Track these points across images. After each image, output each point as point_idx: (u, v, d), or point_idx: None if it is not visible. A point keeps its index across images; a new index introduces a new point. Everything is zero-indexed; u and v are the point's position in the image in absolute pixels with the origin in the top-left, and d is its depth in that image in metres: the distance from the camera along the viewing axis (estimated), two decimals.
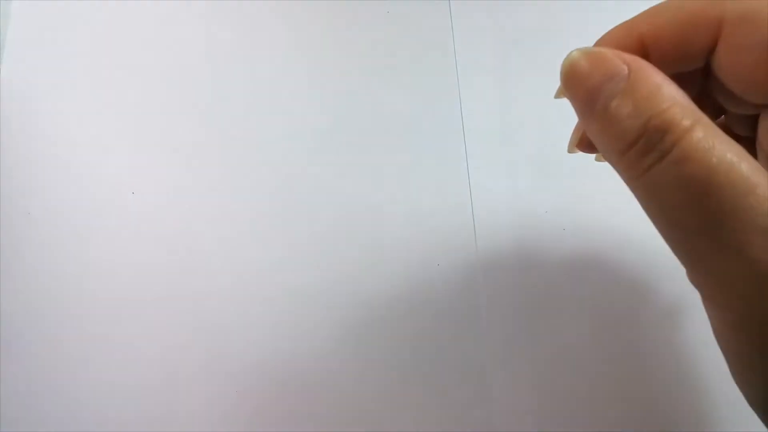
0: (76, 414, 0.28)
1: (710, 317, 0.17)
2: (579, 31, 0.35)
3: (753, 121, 0.20)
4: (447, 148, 0.34)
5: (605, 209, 0.32)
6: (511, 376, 0.30)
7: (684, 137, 0.15)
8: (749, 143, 0.20)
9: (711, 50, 0.18)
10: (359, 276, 0.31)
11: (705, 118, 0.15)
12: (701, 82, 0.20)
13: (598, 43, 0.20)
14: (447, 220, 0.32)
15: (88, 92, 0.33)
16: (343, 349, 0.30)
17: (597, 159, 0.23)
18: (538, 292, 0.31)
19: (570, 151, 0.23)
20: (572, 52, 0.17)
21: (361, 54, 0.36)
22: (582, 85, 0.17)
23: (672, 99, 0.16)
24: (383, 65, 0.36)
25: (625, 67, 0.16)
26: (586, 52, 0.17)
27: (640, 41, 0.19)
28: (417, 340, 0.31)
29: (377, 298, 0.31)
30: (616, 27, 0.19)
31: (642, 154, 0.16)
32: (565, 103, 0.19)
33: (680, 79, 0.17)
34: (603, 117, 0.16)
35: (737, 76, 0.18)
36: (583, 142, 0.22)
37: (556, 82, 0.19)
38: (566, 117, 0.21)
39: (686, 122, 0.15)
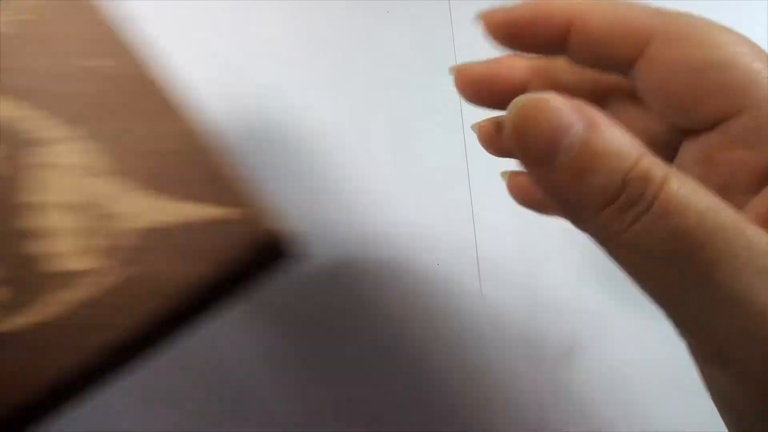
0: None
1: (707, 376, 0.17)
2: None
3: (670, 147, 0.19)
4: (448, 148, 0.34)
5: None
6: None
7: (663, 188, 0.14)
8: None
9: (633, 61, 0.18)
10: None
11: (671, 166, 0.15)
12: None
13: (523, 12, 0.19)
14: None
15: None
16: None
17: (543, 213, 0.21)
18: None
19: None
20: (520, 98, 0.16)
21: (360, 54, 0.36)
22: (538, 136, 0.15)
23: (639, 149, 0.15)
24: (383, 65, 0.36)
25: (580, 118, 0.15)
26: (535, 100, 0.15)
27: (566, 28, 0.18)
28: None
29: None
30: (547, 2, 0.18)
31: (623, 210, 0.15)
32: None
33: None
34: (569, 171, 0.15)
35: (659, 93, 0.18)
36: (521, 194, 0.21)
37: None
38: None
39: (660, 172, 0.14)
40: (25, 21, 0.25)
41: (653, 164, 0.14)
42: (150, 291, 0.21)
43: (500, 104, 0.20)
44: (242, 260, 0.21)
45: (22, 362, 0.20)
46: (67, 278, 0.21)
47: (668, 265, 0.14)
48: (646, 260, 0.15)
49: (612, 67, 0.18)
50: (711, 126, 0.17)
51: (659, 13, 0.17)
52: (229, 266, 0.21)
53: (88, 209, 0.21)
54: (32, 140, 0.22)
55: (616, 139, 0.15)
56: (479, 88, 0.21)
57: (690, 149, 0.18)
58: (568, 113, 0.15)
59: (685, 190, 0.14)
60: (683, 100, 0.17)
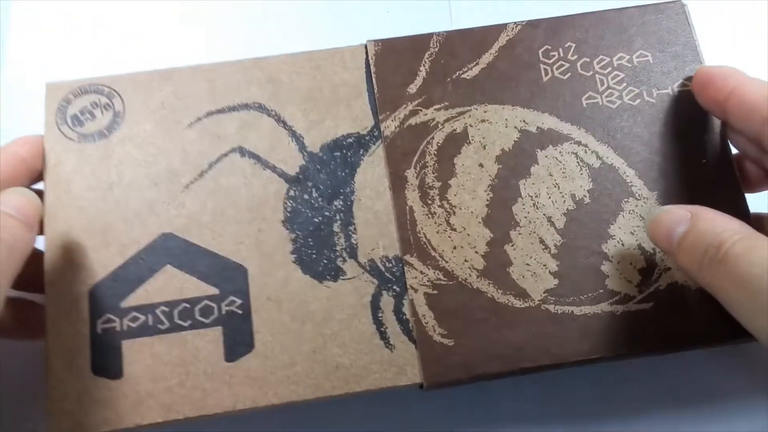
0: None
1: None
2: None
3: None
4: None
5: None
6: None
7: (731, 248, 0.22)
8: None
9: None
10: None
11: (752, 234, 0.23)
12: None
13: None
14: None
15: None
16: None
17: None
18: None
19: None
20: (654, 210, 0.26)
21: None
22: (660, 233, 0.25)
23: (724, 225, 0.23)
24: None
25: (688, 214, 0.24)
26: (661, 210, 0.25)
27: (727, 94, 0.27)
28: None
29: None
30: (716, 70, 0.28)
31: (706, 270, 0.23)
32: None
33: None
34: (678, 252, 0.24)
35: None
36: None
37: None
38: None
39: (735, 237, 0.23)
40: None
41: (733, 233, 0.23)
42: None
43: None
44: None
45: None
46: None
47: (738, 298, 0.22)
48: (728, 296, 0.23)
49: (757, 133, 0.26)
50: None
51: None
52: None
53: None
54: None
55: (704, 223, 0.24)
56: None
57: None
58: (679, 213, 0.25)
59: (744, 247, 0.22)
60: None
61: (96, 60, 0.36)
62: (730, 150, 0.28)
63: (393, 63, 0.29)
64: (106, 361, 0.25)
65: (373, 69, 0.29)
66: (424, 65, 0.29)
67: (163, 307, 0.25)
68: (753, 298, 0.21)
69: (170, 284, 0.26)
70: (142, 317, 0.25)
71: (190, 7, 0.38)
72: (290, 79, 0.29)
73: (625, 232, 0.27)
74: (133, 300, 0.26)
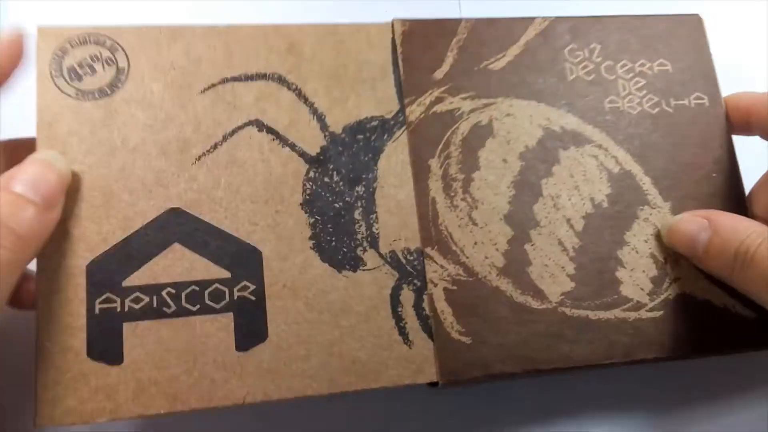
0: None
1: None
2: None
3: None
4: None
5: None
6: None
7: (757, 250, 0.24)
8: None
9: None
10: None
11: None
12: None
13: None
14: None
15: None
16: None
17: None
18: None
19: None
20: (668, 219, 0.27)
21: None
22: (682, 240, 0.27)
23: (745, 228, 0.25)
24: None
25: (705, 221, 0.26)
26: (676, 219, 0.27)
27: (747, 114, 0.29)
28: None
29: None
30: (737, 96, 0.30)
31: (739, 273, 0.25)
32: None
33: None
34: (706, 258, 0.26)
35: None
36: None
37: None
38: None
39: (759, 240, 0.24)
40: None
41: (757, 236, 0.24)
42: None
43: None
44: None
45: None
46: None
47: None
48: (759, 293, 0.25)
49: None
50: None
51: None
52: None
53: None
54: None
55: (727, 229, 0.25)
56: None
57: None
58: (698, 221, 0.26)
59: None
60: None
61: (96, 11, 0.33)
62: (738, 167, 0.29)
63: (420, 45, 0.28)
64: (104, 344, 0.23)
65: (399, 50, 0.27)
66: (451, 51, 0.28)
67: (169, 289, 0.23)
68: None
69: (178, 264, 0.24)
70: (146, 298, 0.23)
71: None
72: (312, 52, 0.27)
73: (639, 240, 0.27)
74: (136, 279, 0.23)
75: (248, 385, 0.23)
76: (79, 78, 0.25)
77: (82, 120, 0.24)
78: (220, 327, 0.24)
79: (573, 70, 0.29)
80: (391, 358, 0.24)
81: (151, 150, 0.24)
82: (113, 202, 0.24)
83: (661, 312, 0.27)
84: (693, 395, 0.31)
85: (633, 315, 0.27)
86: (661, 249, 0.27)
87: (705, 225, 0.26)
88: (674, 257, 0.27)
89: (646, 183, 0.28)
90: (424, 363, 0.25)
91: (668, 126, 0.29)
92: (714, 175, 0.29)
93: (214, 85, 0.26)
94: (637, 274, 0.27)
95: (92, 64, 0.25)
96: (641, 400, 0.31)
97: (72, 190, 0.24)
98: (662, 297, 0.27)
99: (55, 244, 0.23)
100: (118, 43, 0.25)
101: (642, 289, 0.27)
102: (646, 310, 0.27)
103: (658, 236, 0.28)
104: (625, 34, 0.30)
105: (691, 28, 0.30)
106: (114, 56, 0.25)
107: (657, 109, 0.29)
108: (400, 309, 0.25)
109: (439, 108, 0.27)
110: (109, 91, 0.25)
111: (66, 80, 0.25)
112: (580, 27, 0.29)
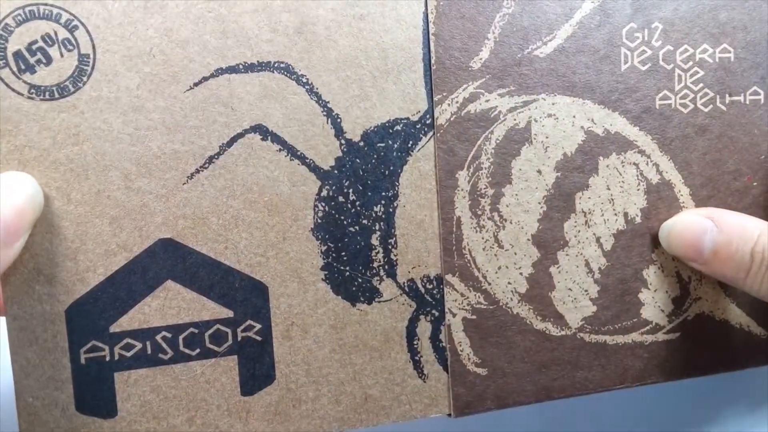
0: None
1: None
2: None
3: None
4: None
5: None
6: None
7: None
8: None
9: None
10: None
11: None
12: None
13: None
14: None
15: None
16: None
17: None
18: None
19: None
20: (667, 222, 0.25)
21: None
22: (685, 243, 0.24)
23: (755, 227, 0.23)
24: None
25: (710, 221, 0.23)
26: (675, 220, 0.25)
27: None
28: None
29: None
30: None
31: (755, 275, 0.23)
32: None
33: None
34: (714, 261, 0.23)
35: None
36: None
37: None
38: None
39: None
40: None
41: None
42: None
43: None
44: None
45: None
46: None
47: None
48: None
49: None
50: None
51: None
52: None
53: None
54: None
55: (736, 229, 0.23)
56: None
57: None
58: (702, 221, 0.24)
59: None
60: None
61: None
62: None
63: (457, 24, 0.23)
64: (94, 396, 0.20)
65: (432, 29, 0.22)
66: (493, 32, 0.23)
67: (164, 333, 0.21)
68: None
69: (172, 304, 0.21)
70: (139, 344, 0.21)
71: None
72: (327, 31, 0.21)
73: (667, 258, 0.26)
74: (125, 323, 0.20)
75: (254, 431, 0.22)
76: (31, 69, 0.19)
77: (41, 127, 0.19)
78: (224, 371, 0.21)
79: (628, 57, 0.25)
80: (404, 392, 0.23)
81: (130, 167, 0.20)
82: (90, 234, 0.20)
83: (678, 334, 0.26)
84: (693, 396, 0.32)
85: (650, 338, 0.26)
86: (687, 266, 0.26)
87: (710, 225, 0.23)
88: (698, 276, 0.26)
89: (683, 194, 0.26)
90: (438, 396, 0.24)
91: (718, 128, 0.26)
92: (755, 184, 0.26)
93: (205, 79, 0.21)
94: (660, 295, 0.26)
95: (45, 49, 0.19)
96: (641, 400, 0.32)
97: (39, 220, 0.19)
98: (681, 318, 0.26)
99: (24, 287, 0.19)
100: (75, 16, 0.19)
101: (662, 311, 0.26)
102: (663, 333, 0.26)
103: None
104: (691, 12, 0.25)
105: (759, 8, 0.26)
106: (73, 36, 0.19)
107: (710, 107, 0.26)
108: (416, 342, 0.23)
109: (473, 108, 0.23)
110: (71, 87, 0.19)
111: (13, 72, 0.19)
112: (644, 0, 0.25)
